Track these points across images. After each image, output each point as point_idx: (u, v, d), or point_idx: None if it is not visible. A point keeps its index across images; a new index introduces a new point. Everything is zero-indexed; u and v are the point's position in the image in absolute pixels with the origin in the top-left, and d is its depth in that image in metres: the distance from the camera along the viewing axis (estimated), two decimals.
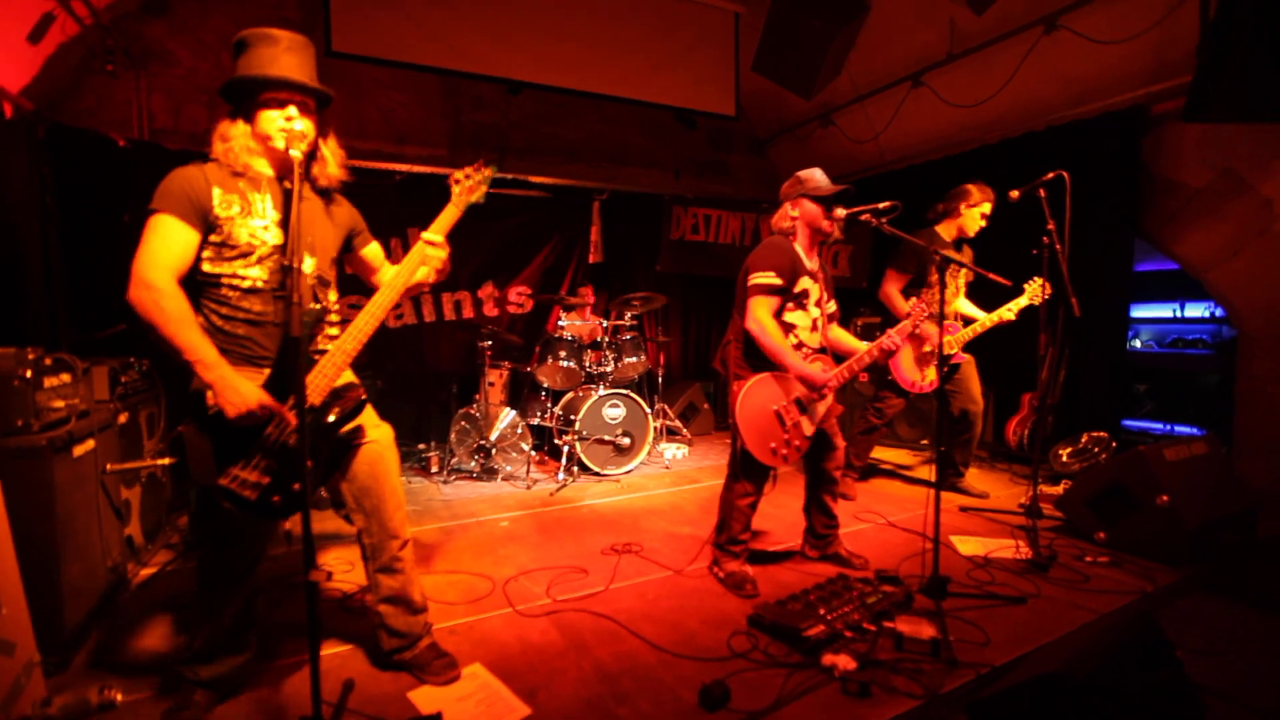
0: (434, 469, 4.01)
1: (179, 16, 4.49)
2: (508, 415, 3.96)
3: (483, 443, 3.87)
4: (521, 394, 4.40)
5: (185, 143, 4.45)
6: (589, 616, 2.18)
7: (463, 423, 3.97)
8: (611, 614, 2.19)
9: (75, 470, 2.04)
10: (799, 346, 2.38)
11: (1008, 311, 3.47)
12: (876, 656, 1.86)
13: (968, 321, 3.57)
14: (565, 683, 1.79)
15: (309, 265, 1.68)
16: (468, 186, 1.90)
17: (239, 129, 1.61)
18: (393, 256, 4.91)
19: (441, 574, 2.57)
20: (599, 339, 4.28)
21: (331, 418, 1.64)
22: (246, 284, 1.61)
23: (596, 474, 4.01)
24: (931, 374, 3.52)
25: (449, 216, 1.85)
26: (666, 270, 6.05)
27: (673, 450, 4.69)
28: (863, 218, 2.34)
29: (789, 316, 2.37)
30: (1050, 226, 2.89)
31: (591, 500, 3.61)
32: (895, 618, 2.04)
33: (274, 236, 1.63)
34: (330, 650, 1.97)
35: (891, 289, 3.52)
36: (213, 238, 1.58)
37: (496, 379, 4.46)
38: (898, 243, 3.55)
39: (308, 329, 1.65)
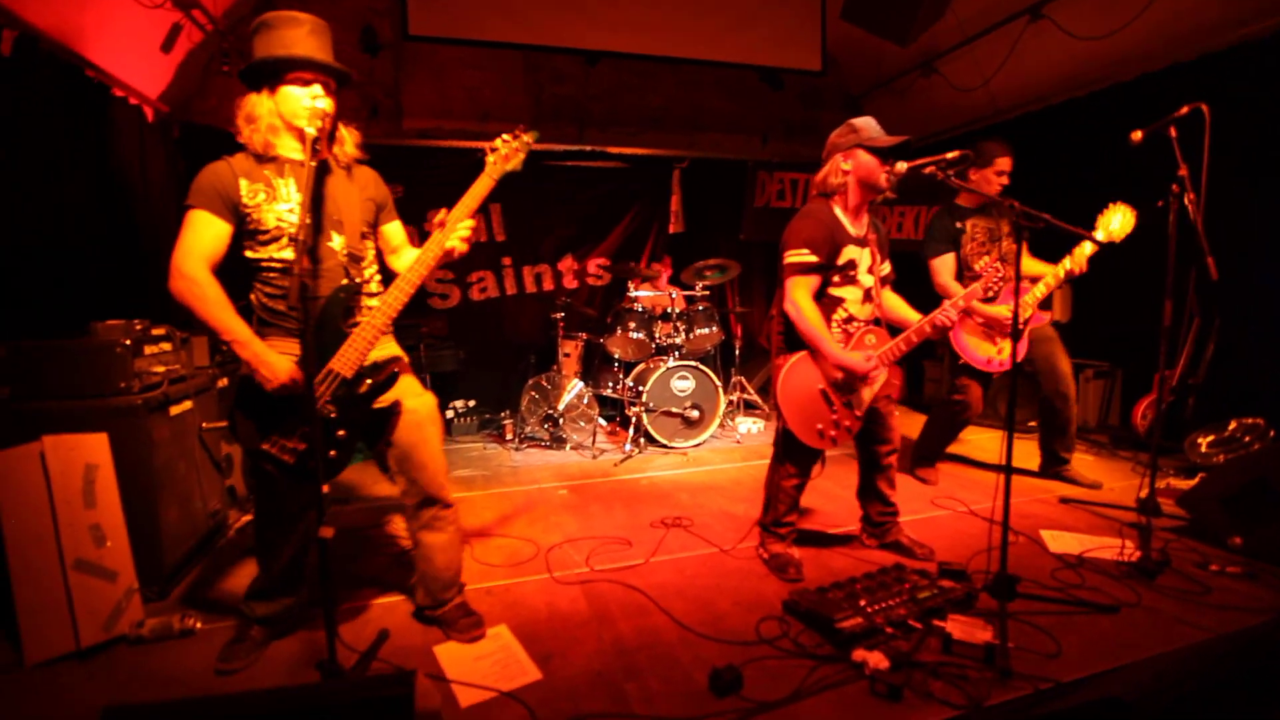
0: (508, 436, 4.16)
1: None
2: (575, 386, 4.02)
3: (551, 412, 3.96)
4: (594, 364, 4.44)
5: None
6: (621, 588, 2.17)
7: (533, 393, 4.08)
8: (645, 587, 2.17)
9: (173, 427, 2.31)
10: (849, 321, 2.18)
11: (1073, 260, 2.94)
12: (918, 657, 1.69)
13: (1035, 280, 3.11)
14: (581, 653, 1.79)
15: (338, 242, 1.76)
16: (504, 154, 1.89)
17: (265, 105, 1.69)
18: (475, 233, 5.20)
19: (493, 537, 2.67)
20: (668, 310, 4.20)
21: (364, 389, 1.72)
22: (281, 266, 1.71)
23: (664, 446, 3.98)
24: (1008, 346, 3.10)
25: (482, 187, 1.85)
26: (750, 239, 5.83)
27: (747, 425, 4.55)
28: (927, 170, 2.07)
29: (836, 291, 2.17)
30: (1182, 172, 2.41)
31: (654, 473, 3.59)
32: (948, 617, 1.85)
33: (299, 217, 1.71)
34: (380, 600, 2.11)
35: (944, 279, 3.12)
36: (247, 226, 1.69)
37: (572, 350, 4.53)
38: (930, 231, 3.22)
39: (341, 304, 1.73)
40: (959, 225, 3.16)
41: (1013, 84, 4.94)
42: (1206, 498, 2.47)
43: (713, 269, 4.26)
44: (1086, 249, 2.92)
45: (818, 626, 1.84)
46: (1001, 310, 3.04)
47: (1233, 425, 3.26)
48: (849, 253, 2.15)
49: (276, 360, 1.59)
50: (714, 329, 4.26)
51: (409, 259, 1.89)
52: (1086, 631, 1.85)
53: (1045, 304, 3.20)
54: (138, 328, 2.24)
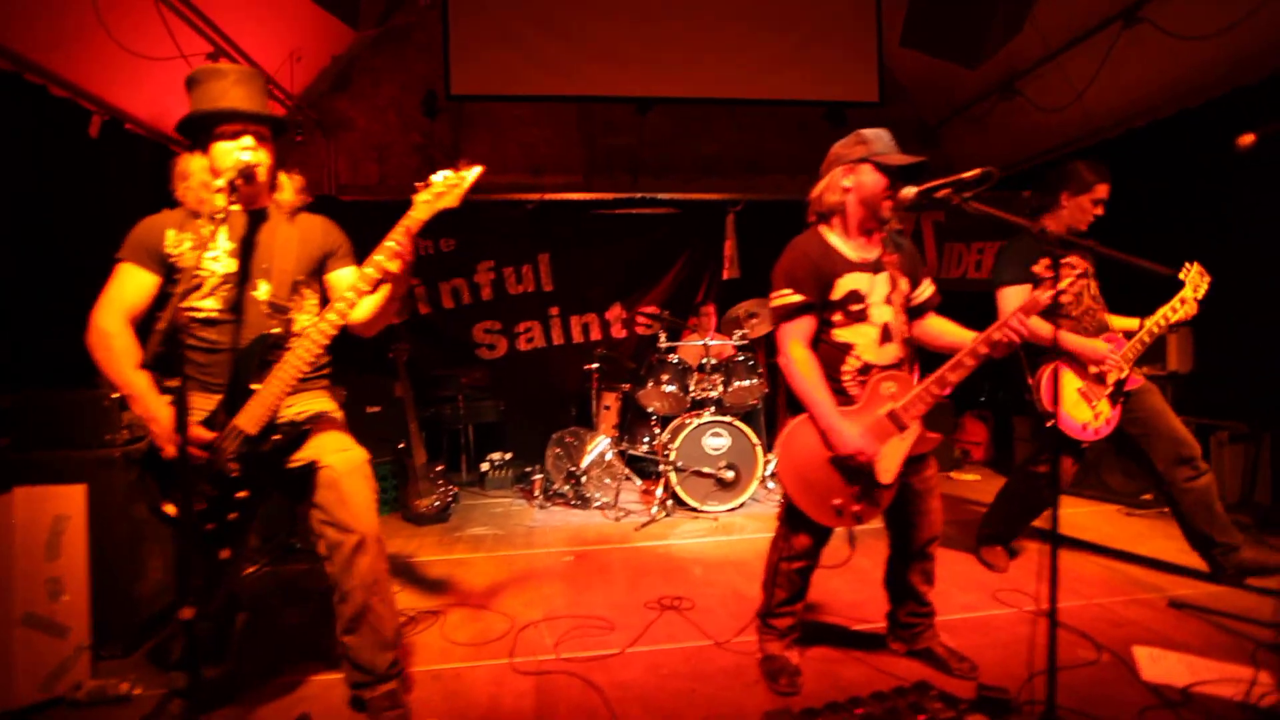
0: (536, 492, 4.00)
1: (357, 88, 5.26)
2: (601, 443, 3.81)
3: (573, 470, 3.76)
4: (628, 419, 4.21)
5: (359, 194, 5.19)
6: (580, 685, 1.88)
7: (557, 448, 3.92)
8: (606, 686, 1.86)
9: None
10: (865, 370, 1.81)
11: (1173, 311, 2.46)
12: None
13: (1126, 335, 2.56)
14: None
15: (263, 291, 1.70)
16: (437, 191, 1.73)
17: (197, 163, 1.68)
18: (522, 283, 5.23)
19: (472, 608, 2.46)
20: (704, 360, 3.92)
21: (269, 447, 1.61)
22: (201, 315, 1.66)
23: (693, 510, 3.65)
24: (1106, 408, 2.52)
25: (415, 218, 1.64)
26: None
27: None
28: (940, 194, 1.73)
29: (841, 334, 1.81)
30: None
31: (676, 540, 3.27)
32: None
33: (224, 266, 1.67)
34: (324, 676, 1.95)
35: (1027, 316, 2.55)
36: (174, 276, 1.66)
37: (612, 403, 4.35)
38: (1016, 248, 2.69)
39: (256, 357, 1.65)
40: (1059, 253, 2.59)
41: (1108, 98, 4.33)
42: None
43: (749, 315, 3.96)
44: (1186, 295, 2.45)
45: None
46: (1096, 344, 2.49)
47: None
48: (850, 282, 1.80)
49: (164, 416, 1.52)
50: (755, 381, 3.92)
51: (365, 308, 1.80)
52: None
53: (1147, 358, 2.63)
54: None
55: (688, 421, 3.71)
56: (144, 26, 3.15)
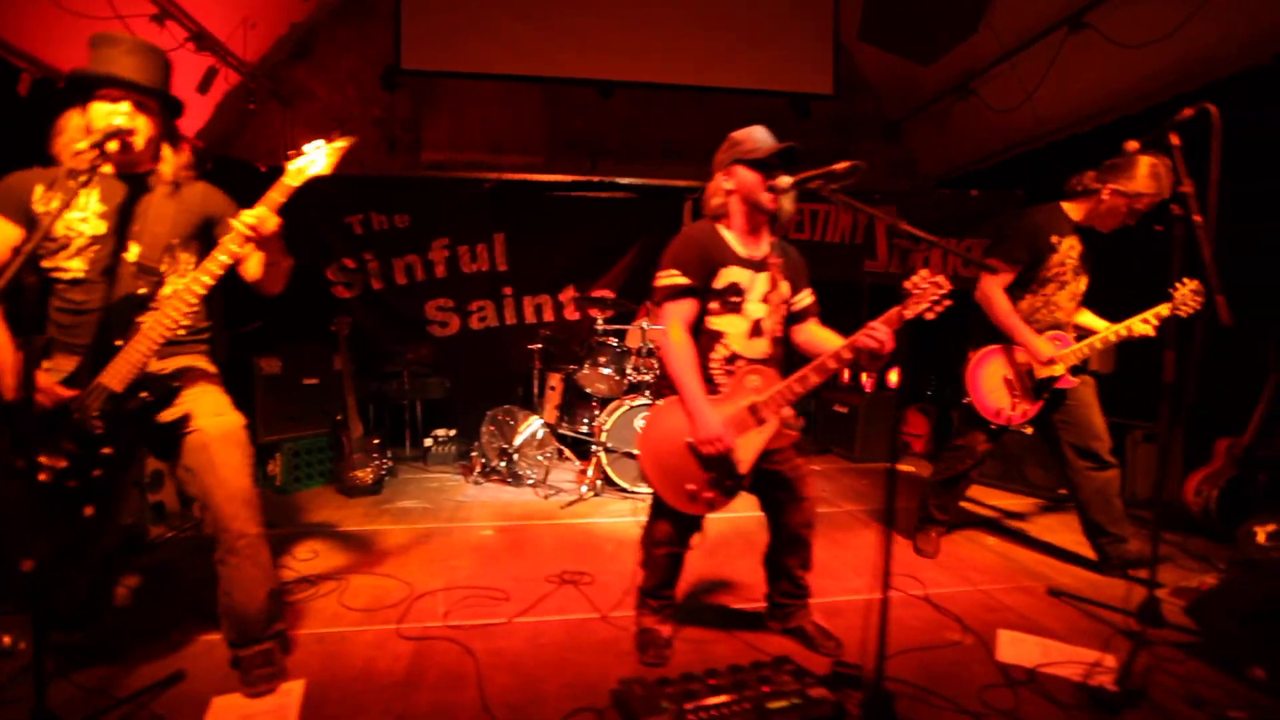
0: (476, 470, 4.05)
1: (318, 58, 5.21)
2: (533, 423, 3.85)
3: (506, 447, 3.81)
4: (569, 400, 4.26)
5: None
6: (458, 650, 1.94)
7: (491, 426, 3.96)
8: (483, 653, 1.92)
9: None
10: (733, 359, 1.87)
11: (1142, 323, 2.47)
12: None
13: (1083, 335, 2.59)
14: (367, 718, 1.59)
15: (132, 253, 1.71)
16: (310, 159, 1.77)
17: (75, 121, 1.69)
18: (477, 262, 5.23)
19: (376, 575, 2.51)
20: (641, 346, 3.97)
21: (134, 405, 1.64)
22: (69, 276, 1.68)
23: (622, 490, 3.71)
24: (1026, 402, 2.60)
25: (279, 191, 1.71)
26: None
27: None
28: (812, 184, 1.77)
29: (714, 322, 1.87)
30: (1185, 189, 1.95)
31: (600, 518, 3.33)
32: None
33: (91, 227, 1.69)
34: (208, 636, 1.99)
35: (992, 288, 2.58)
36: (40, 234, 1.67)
37: (557, 384, 4.39)
38: (1008, 227, 2.71)
39: (121, 316, 1.67)
40: (1053, 240, 2.53)
41: (1058, 103, 4.39)
42: (1221, 610, 1.89)
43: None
44: (1162, 312, 2.45)
45: None
46: (1041, 344, 2.55)
47: None
48: (731, 275, 1.85)
49: (9, 359, 1.55)
50: None
51: (252, 268, 1.82)
52: None
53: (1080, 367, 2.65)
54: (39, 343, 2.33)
55: (622, 404, 3.76)
56: None
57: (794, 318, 2.01)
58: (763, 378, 1.85)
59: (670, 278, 1.83)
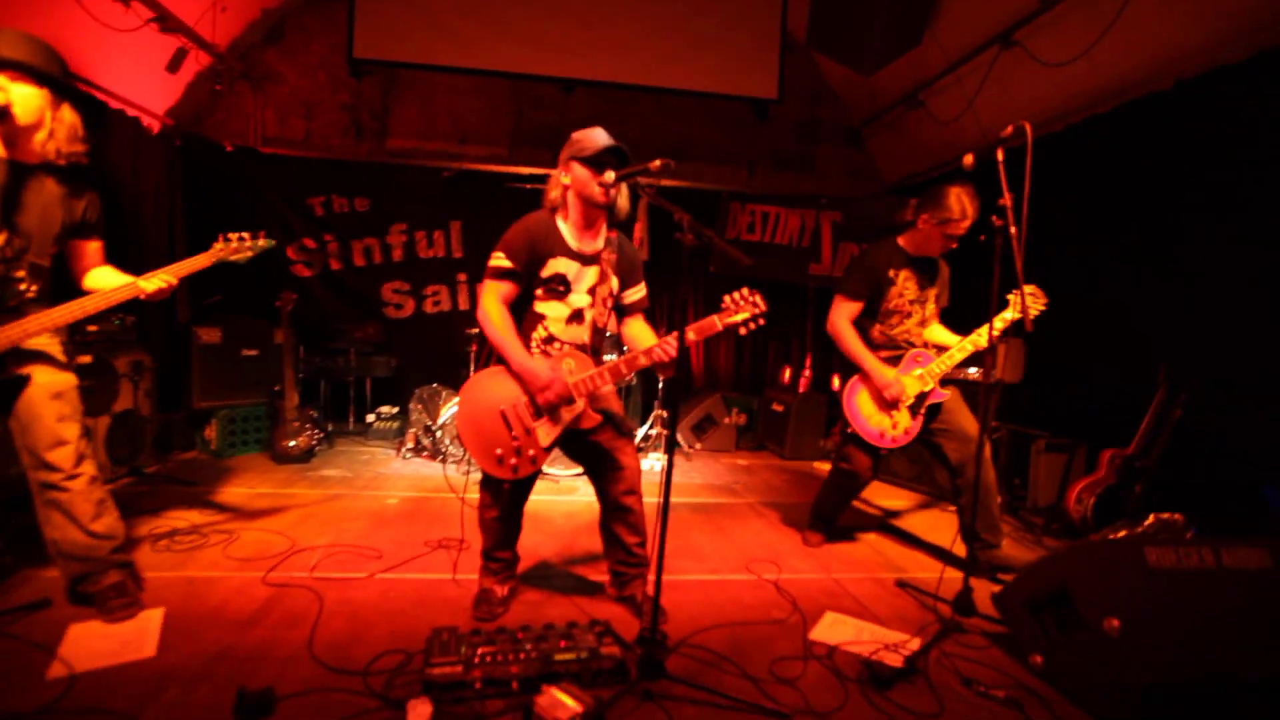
0: (408, 444, 4.22)
1: (289, 43, 5.37)
2: (455, 404, 4.01)
3: (429, 424, 3.97)
4: None
5: (282, 147, 5.33)
6: (310, 598, 2.10)
7: (418, 403, 4.12)
8: (331, 601, 2.09)
9: None
10: (549, 340, 2.03)
11: (980, 337, 2.58)
12: (480, 714, 1.50)
13: (940, 350, 2.71)
14: (196, 649, 1.75)
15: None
16: (230, 249, 2.04)
17: None
18: (433, 248, 5.39)
19: (268, 532, 2.69)
20: None
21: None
22: None
23: (540, 472, 3.85)
24: (905, 419, 2.70)
25: (196, 263, 2.04)
26: (720, 272, 5.64)
27: (653, 461, 4.33)
28: (637, 179, 1.92)
29: (539, 306, 2.02)
30: (1003, 201, 2.07)
31: None
32: (559, 685, 1.61)
33: None
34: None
35: (840, 320, 2.75)
36: None
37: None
38: (852, 264, 2.84)
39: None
40: (890, 274, 2.73)
41: (1000, 117, 4.47)
42: (1016, 599, 2.02)
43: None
44: (1005, 317, 2.54)
45: (423, 669, 1.67)
46: (883, 372, 2.68)
47: (1149, 520, 2.67)
48: (559, 265, 2.01)
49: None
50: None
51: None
52: None
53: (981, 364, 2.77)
54: None
55: None
56: None
57: (623, 310, 2.16)
58: (577, 362, 2.00)
59: (498, 260, 1.99)
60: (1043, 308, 2.55)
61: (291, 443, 3.85)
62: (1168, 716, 1.55)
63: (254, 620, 1.95)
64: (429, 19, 4.37)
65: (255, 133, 5.37)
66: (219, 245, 2.10)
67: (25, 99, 1.84)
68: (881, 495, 3.98)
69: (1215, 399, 3.03)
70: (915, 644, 2.03)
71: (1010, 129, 2.07)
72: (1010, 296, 2.50)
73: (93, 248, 2.05)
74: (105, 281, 2.01)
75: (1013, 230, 2.05)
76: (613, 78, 4.72)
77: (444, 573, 2.40)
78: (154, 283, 1.95)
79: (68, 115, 1.95)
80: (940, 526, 3.38)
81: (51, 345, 1.95)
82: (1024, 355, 3.88)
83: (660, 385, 4.71)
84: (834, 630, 2.13)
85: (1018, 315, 2.45)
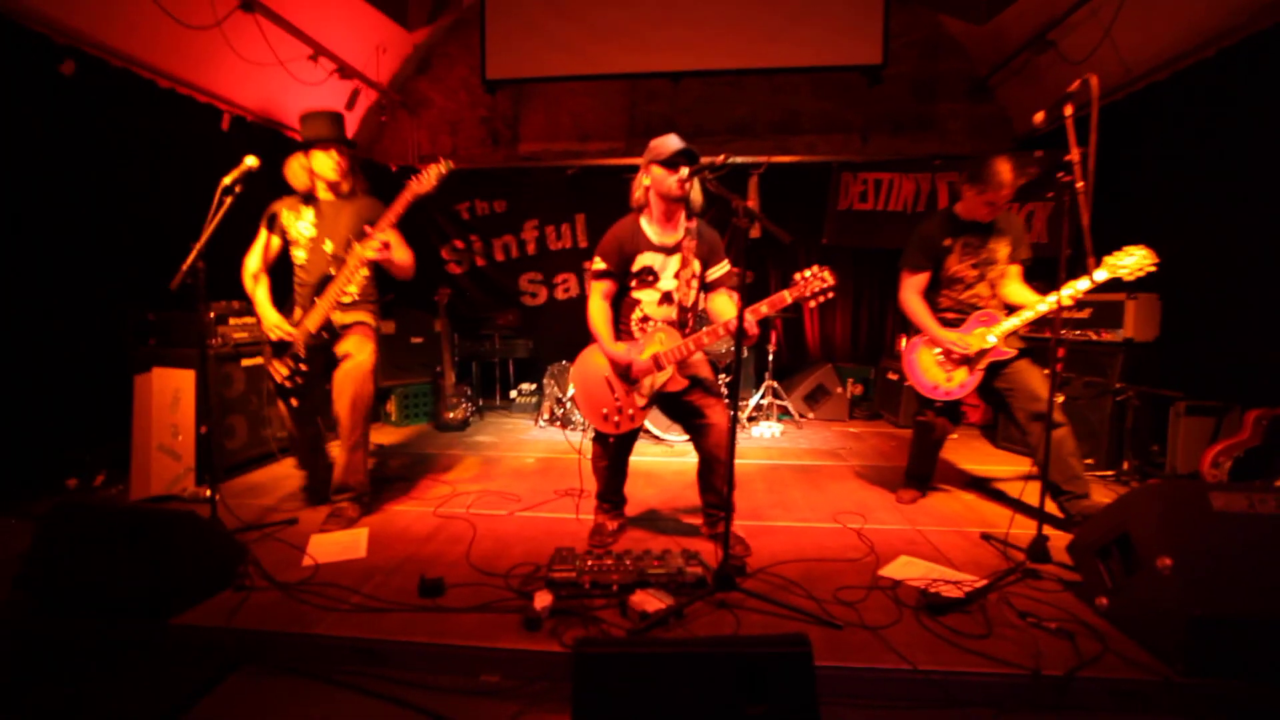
0: (544, 416, 4.87)
1: (435, 70, 6.23)
2: None
3: (560, 397, 4.56)
4: None
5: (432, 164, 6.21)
6: (466, 526, 2.71)
7: (549, 378, 4.73)
8: (483, 529, 2.68)
9: (247, 374, 3.49)
10: (644, 320, 2.41)
11: (1066, 296, 2.52)
12: (587, 609, 1.95)
13: (1013, 310, 2.76)
14: (390, 554, 2.41)
15: (329, 246, 2.68)
16: (422, 180, 2.59)
17: (297, 162, 2.69)
18: (561, 240, 6.01)
19: (439, 481, 3.40)
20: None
21: (320, 341, 2.65)
22: (300, 261, 2.71)
23: (657, 437, 4.30)
24: (962, 374, 2.82)
25: (398, 203, 2.59)
26: (833, 243, 5.69)
27: (764, 429, 4.59)
28: (701, 175, 2.23)
29: (635, 294, 2.43)
30: (1070, 158, 2.10)
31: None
32: (649, 590, 2.02)
33: (308, 230, 2.68)
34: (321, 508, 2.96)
35: (907, 294, 2.92)
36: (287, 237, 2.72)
37: None
38: (911, 238, 2.93)
39: (320, 286, 2.65)
40: (945, 243, 2.86)
41: (1142, 48, 4.08)
42: (1084, 547, 2.08)
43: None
44: (1081, 286, 2.54)
45: (546, 574, 2.16)
46: (943, 334, 2.83)
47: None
48: (645, 259, 2.38)
49: (266, 318, 2.65)
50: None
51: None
52: (784, 629, 1.87)
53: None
54: (235, 306, 3.45)
55: None
56: (249, 37, 4.21)
57: (707, 287, 2.48)
58: (668, 335, 2.36)
59: (596, 264, 2.41)
60: (1151, 268, 2.46)
61: (451, 415, 4.64)
62: (1211, 646, 1.60)
63: (428, 539, 2.59)
64: (547, 38, 4.89)
65: (413, 153, 6.31)
66: (412, 183, 2.57)
67: (340, 162, 2.69)
68: (993, 460, 3.92)
69: None
70: (981, 584, 2.17)
71: (1076, 83, 2.07)
72: (1108, 259, 2.46)
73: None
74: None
75: (1079, 185, 2.06)
76: (715, 65, 4.94)
77: (568, 514, 2.91)
78: (372, 245, 2.55)
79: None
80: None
81: (366, 315, 2.80)
82: (1159, 310, 3.60)
83: (770, 358, 4.94)
84: (904, 569, 2.32)
85: (1114, 274, 2.42)
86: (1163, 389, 3.52)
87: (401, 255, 2.67)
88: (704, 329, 2.32)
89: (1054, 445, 2.72)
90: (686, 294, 2.44)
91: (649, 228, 2.41)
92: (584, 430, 4.48)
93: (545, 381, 4.79)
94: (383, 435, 4.51)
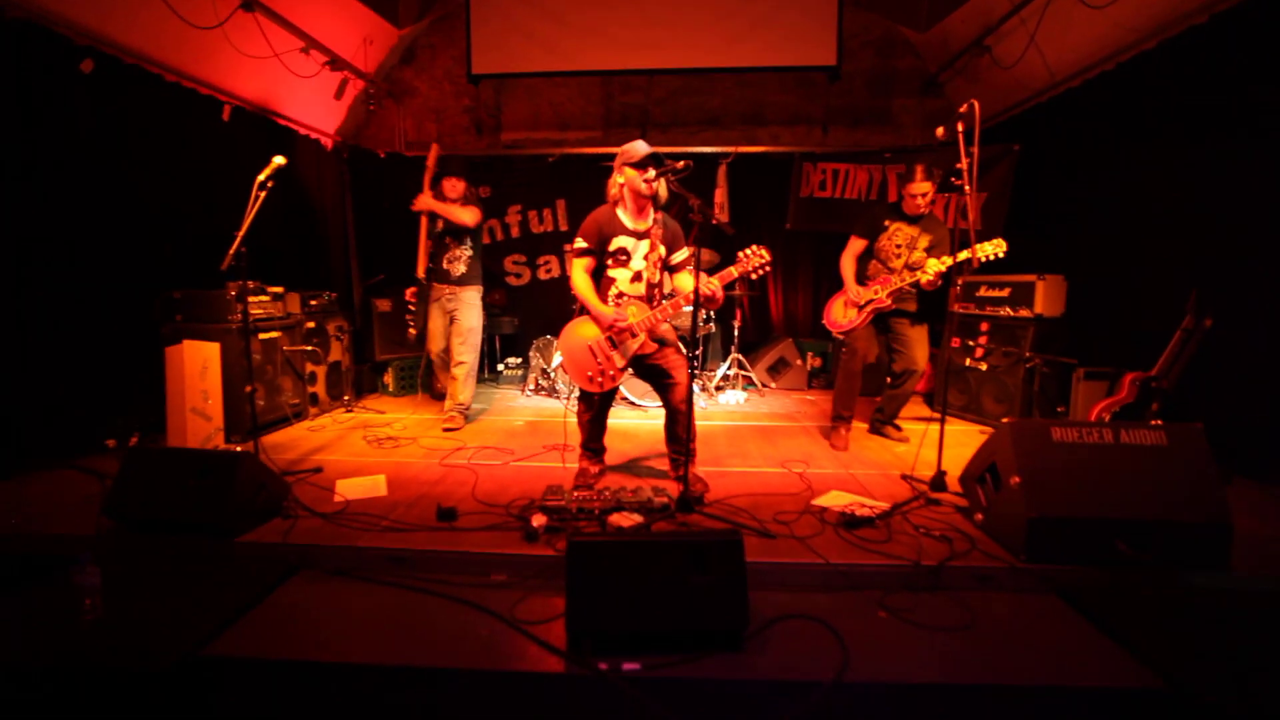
0: (529, 386, 5.32)
1: (419, 61, 6.53)
2: None
3: (545, 368, 5.02)
4: None
5: (420, 150, 6.53)
6: (469, 472, 3.18)
7: (534, 351, 5.18)
8: (484, 475, 3.15)
9: (264, 347, 3.88)
10: (619, 296, 2.87)
11: (924, 271, 3.48)
12: (574, 528, 2.44)
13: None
14: (406, 494, 2.87)
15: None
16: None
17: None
18: (543, 224, 6.41)
19: (441, 437, 3.85)
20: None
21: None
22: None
23: (633, 403, 4.79)
24: (853, 314, 3.76)
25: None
26: (796, 228, 6.17)
27: (730, 396, 5.10)
28: (663, 177, 2.69)
29: (610, 272, 2.87)
30: (961, 165, 2.60)
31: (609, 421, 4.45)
32: (616, 513, 2.51)
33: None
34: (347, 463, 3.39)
35: (844, 256, 3.81)
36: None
37: None
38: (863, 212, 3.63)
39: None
40: (884, 223, 3.71)
41: (1065, 56, 4.60)
42: (967, 478, 2.63)
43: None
44: (934, 265, 3.44)
45: (540, 503, 2.64)
46: (852, 288, 3.78)
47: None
48: (620, 242, 2.83)
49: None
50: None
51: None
52: None
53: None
54: (250, 285, 3.82)
55: None
56: (248, 33, 4.48)
57: (671, 269, 2.94)
58: (639, 308, 2.83)
59: (578, 244, 2.85)
60: (999, 254, 3.25)
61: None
62: (1044, 539, 2.15)
63: (437, 482, 3.05)
64: (529, 35, 5.25)
65: (400, 140, 6.62)
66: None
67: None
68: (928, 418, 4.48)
69: (1237, 323, 3.26)
70: (888, 507, 2.70)
71: (965, 106, 2.55)
72: (979, 246, 3.13)
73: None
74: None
75: (967, 189, 2.56)
76: (685, 64, 5.35)
77: (556, 463, 3.39)
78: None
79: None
80: (968, 441, 3.88)
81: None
82: (1065, 290, 4.17)
83: (736, 333, 5.44)
84: (832, 499, 2.85)
85: (975, 256, 3.05)
86: (1066, 357, 4.10)
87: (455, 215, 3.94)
88: (668, 300, 2.80)
89: (902, 395, 3.82)
90: (654, 274, 2.91)
91: (623, 215, 2.86)
92: (567, 396, 4.95)
93: (531, 354, 5.24)
94: (382, 404, 4.93)
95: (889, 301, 3.65)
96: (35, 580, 2.11)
